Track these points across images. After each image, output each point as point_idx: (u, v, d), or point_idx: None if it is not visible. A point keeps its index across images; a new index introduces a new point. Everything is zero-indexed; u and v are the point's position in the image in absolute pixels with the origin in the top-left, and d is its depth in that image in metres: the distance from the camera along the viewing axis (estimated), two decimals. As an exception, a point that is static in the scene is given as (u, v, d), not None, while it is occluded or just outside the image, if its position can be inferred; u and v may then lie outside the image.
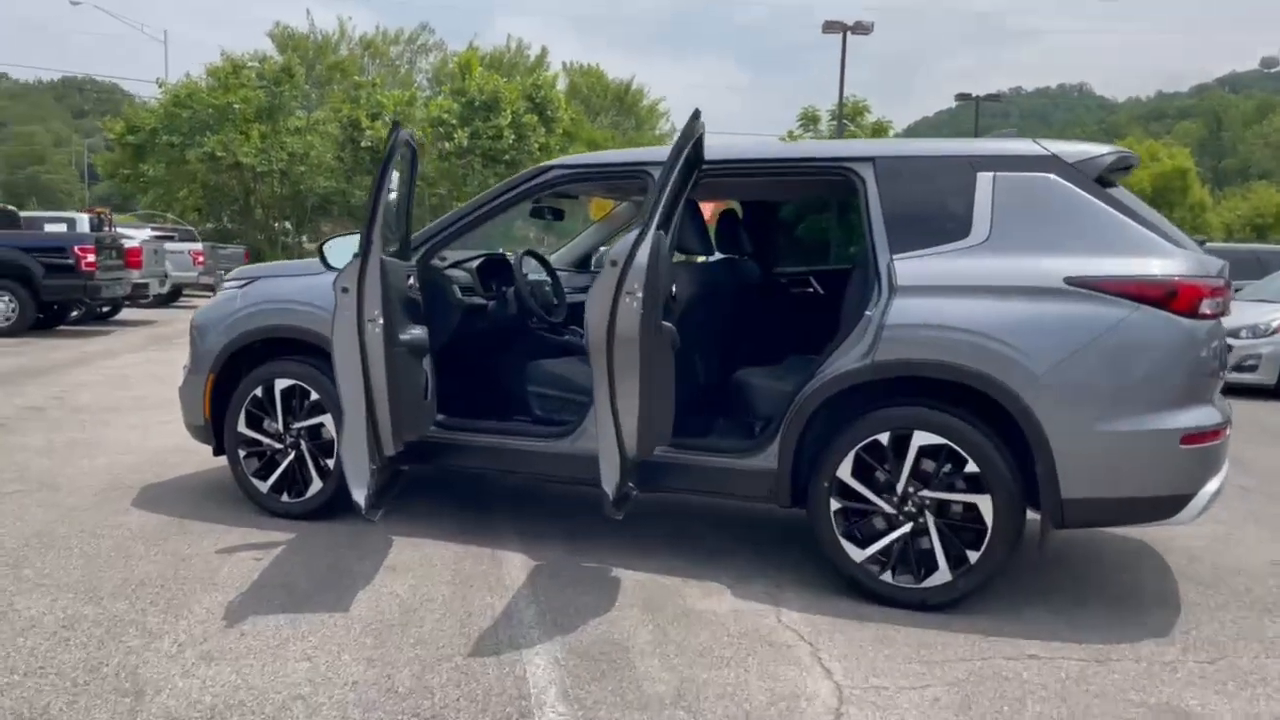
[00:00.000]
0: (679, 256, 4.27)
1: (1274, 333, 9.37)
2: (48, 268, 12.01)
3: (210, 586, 3.39)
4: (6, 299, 11.90)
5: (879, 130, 29.91)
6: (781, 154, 4.12)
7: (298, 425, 4.17)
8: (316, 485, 4.16)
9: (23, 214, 15.51)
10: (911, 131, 74.45)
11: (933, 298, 3.35)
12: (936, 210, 3.46)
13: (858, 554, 3.41)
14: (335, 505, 4.09)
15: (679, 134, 3.34)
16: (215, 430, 4.37)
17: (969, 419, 3.29)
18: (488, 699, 2.63)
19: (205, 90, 28.12)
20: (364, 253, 3.38)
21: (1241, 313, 9.14)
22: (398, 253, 3.85)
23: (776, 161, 4.02)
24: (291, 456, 4.19)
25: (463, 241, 4.32)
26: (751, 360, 4.41)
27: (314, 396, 4.13)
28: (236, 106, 27.37)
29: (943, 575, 3.31)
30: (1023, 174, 3.41)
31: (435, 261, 4.29)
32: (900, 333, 3.35)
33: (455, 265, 4.58)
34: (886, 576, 3.37)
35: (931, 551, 3.33)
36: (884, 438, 3.36)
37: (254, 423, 4.25)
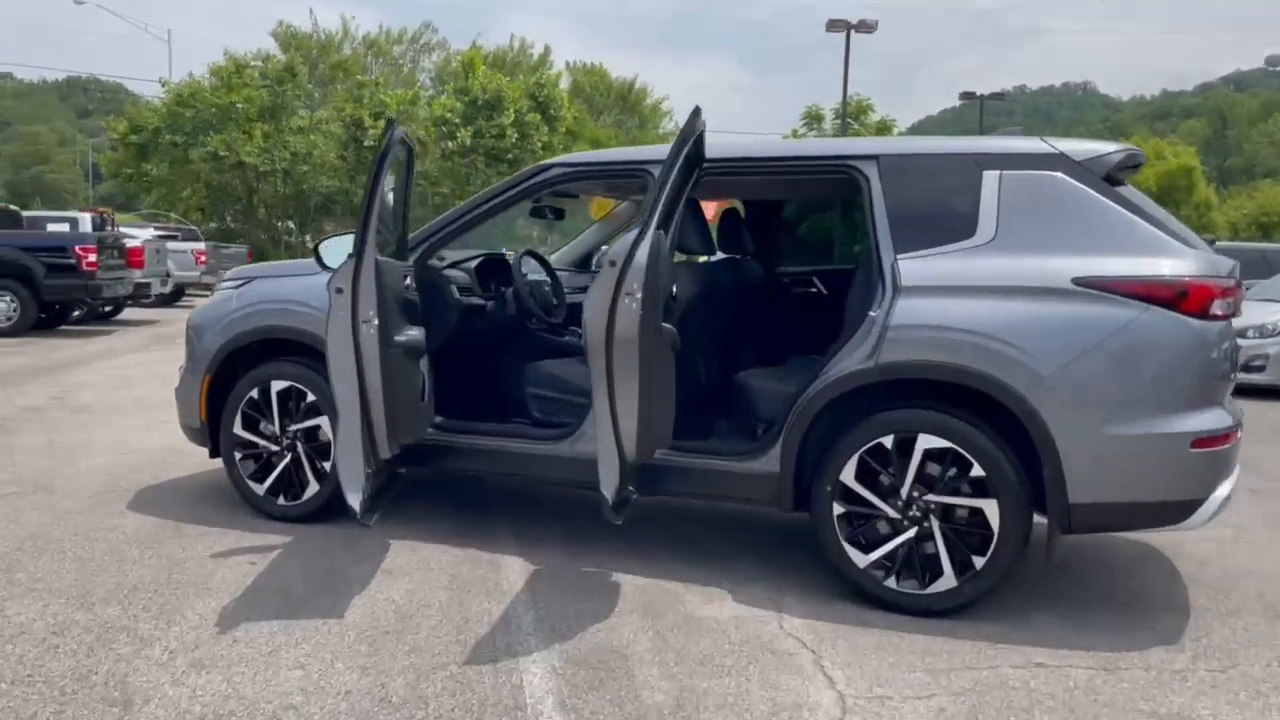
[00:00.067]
0: (680, 256, 4.22)
1: (1281, 333, 9.29)
2: (49, 267, 11.98)
3: (204, 591, 3.34)
4: (8, 299, 11.87)
5: (883, 129, 29.83)
6: (784, 152, 4.05)
7: (294, 427, 4.12)
8: (313, 488, 4.11)
9: (25, 214, 15.50)
10: (915, 130, 74.35)
11: (938, 298, 3.29)
12: (941, 209, 3.40)
13: (861, 559, 3.35)
14: (332, 508, 4.04)
15: (679, 132, 3.28)
16: (211, 432, 4.32)
17: (975, 422, 3.23)
18: (483, 709, 2.57)
19: (208, 90, 28.10)
20: (358, 253, 3.33)
21: (1248, 313, 9.05)
22: (395, 252, 3.80)
23: (779, 160, 3.96)
24: (288, 459, 4.14)
25: (462, 241, 4.27)
26: (753, 361, 4.35)
27: (310, 398, 4.07)
28: (239, 106, 27.33)
29: (948, 581, 3.25)
30: (1029, 172, 3.35)
31: (433, 261, 4.23)
32: (905, 334, 3.29)
33: (453, 265, 4.52)
34: (890, 582, 3.32)
35: (936, 557, 3.27)
36: (888, 441, 3.30)
37: (250, 424, 4.20)
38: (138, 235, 16.39)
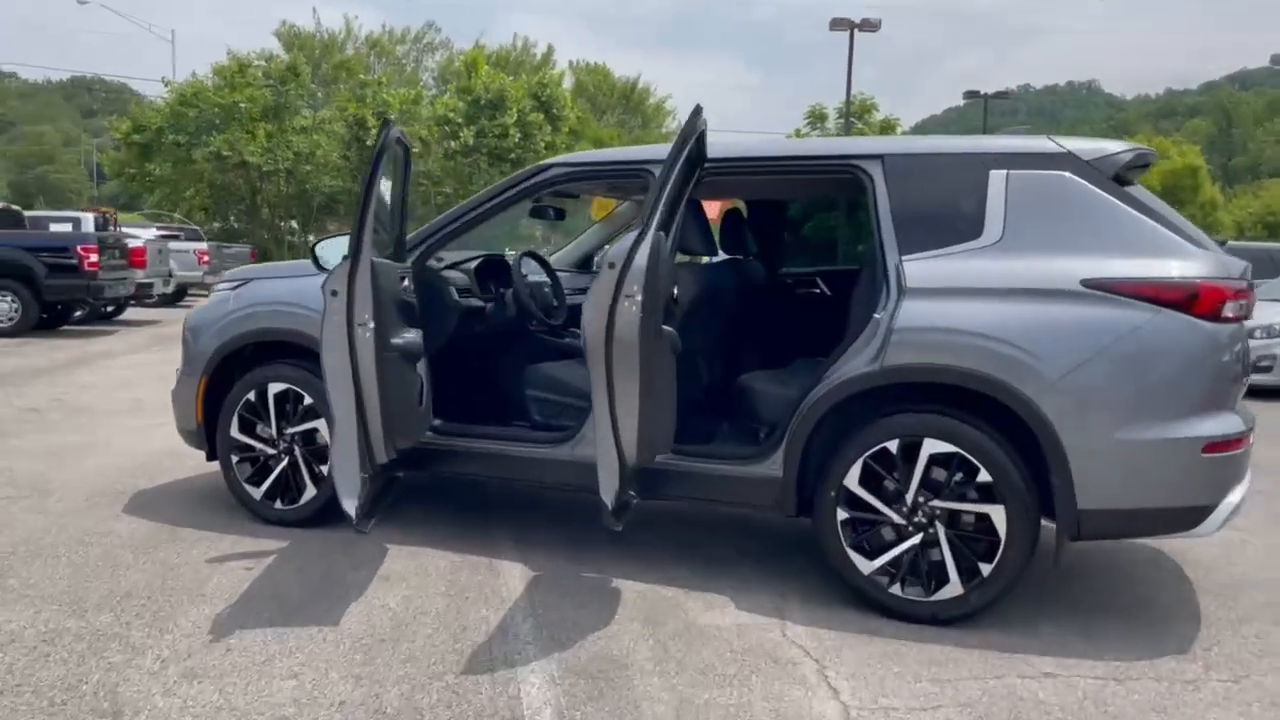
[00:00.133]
0: (682, 257, 4.16)
1: (1289, 333, 9.22)
2: (50, 267, 11.95)
3: (198, 598, 3.29)
4: (9, 299, 11.85)
5: (887, 128, 29.73)
6: (787, 151, 3.99)
7: (291, 430, 4.07)
8: (310, 492, 4.06)
9: (28, 214, 15.48)
10: (919, 129, 74.19)
11: (944, 300, 3.23)
12: (947, 209, 3.34)
13: (866, 566, 3.30)
14: (329, 512, 3.97)
15: (680, 131, 3.23)
16: (208, 435, 4.27)
17: (982, 426, 3.17)
18: (479, 720, 2.52)
19: (211, 89, 28.07)
20: (354, 254, 3.28)
21: (1256, 313, 8.98)
22: (393, 254, 3.75)
23: (782, 159, 3.90)
24: (285, 462, 4.09)
25: (461, 242, 4.21)
26: (756, 364, 4.30)
27: (307, 401, 4.02)
28: (243, 106, 27.29)
29: (954, 588, 3.19)
30: (1037, 172, 3.29)
31: (432, 262, 4.18)
32: (910, 336, 3.23)
33: (452, 266, 4.46)
34: (896, 589, 3.26)
35: (942, 563, 3.21)
36: (893, 445, 3.24)
37: (247, 427, 4.15)
38: (140, 235, 16.36)
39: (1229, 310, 3.10)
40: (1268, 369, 9.11)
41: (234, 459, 4.18)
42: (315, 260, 3.82)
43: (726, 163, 3.75)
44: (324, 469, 3.99)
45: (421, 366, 3.76)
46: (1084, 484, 3.06)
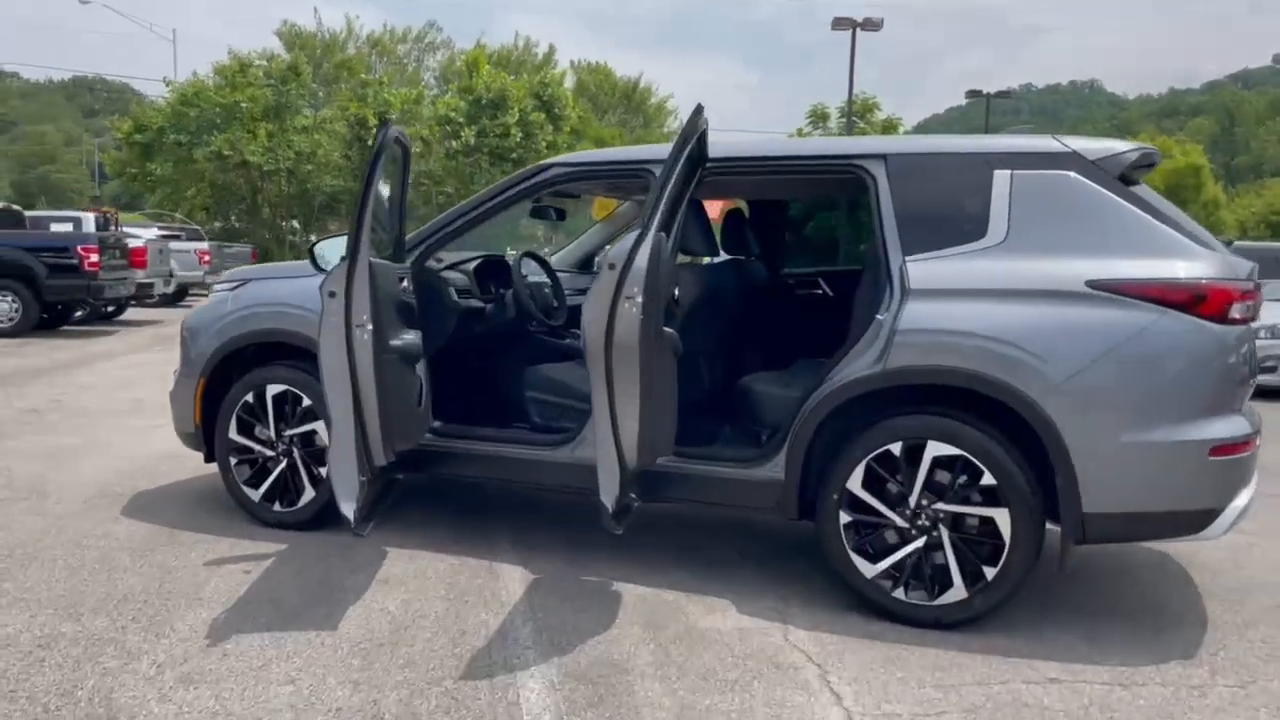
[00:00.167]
0: (682, 258, 4.12)
1: (1294, 333, 9.17)
2: (51, 268, 11.93)
3: (195, 602, 3.27)
4: (9, 299, 11.83)
5: (889, 127, 29.68)
6: (789, 151, 3.96)
7: (290, 432, 4.04)
8: (309, 494, 4.03)
9: (29, 213, 15.46)
10: (922, 129, 74.14)
11: (947, 301, 3.20)
12: (951, 210, 3.31)
13: (869, 569, 3.27)
14: (328, 515, 3.94)
15: (681, 130, 3.20)
16: (206, 437, 4.24)
17: (986, 429, 3.14)
18: (478, 727, 2.49)
19: (212, 89, 28.04)
20: (351, 255, 3.25)
21: (1262, 312, 8.95)
22: (392, 254, 3.73)
23: (784, 159, 3.86)
24: (284, 464, 4.07)
25: (461, 242, 4.18)
26: (758, 365, 4.27)
27: (306, 402, 4.00)
28: (244, 105, 27.25)
29: (958, 592, 3.16)
30: (1042, 172, 3.26)
31: (431, 263, 4.15)
32: (913, 338, 3.20)
33: (452, 267, 4.44)
34: (899, 593, 3.23)
35: (946, 567, 3.18)
36: (896, 448, 3.21)
37: (245, 429, 4.13)
38: (141, 235, 16.35)
39: (1236, 312, 3.06)
40: (1273, 369, 9.06)
41: (232, 461, 4.16)
42: (313, 261, 3.79)
43: (728, 162, 3.72)
44: (323, 471, 3.96)
45: (421, 368, 3.73)
46: (1089, 487, 3.03)
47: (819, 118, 30.20)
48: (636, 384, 3.00)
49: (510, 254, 4.85)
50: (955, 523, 3.19)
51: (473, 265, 4.47)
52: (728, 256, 4.68)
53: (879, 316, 3.26)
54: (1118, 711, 2.66)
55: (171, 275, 16.19)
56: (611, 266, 2.98)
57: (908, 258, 3.27)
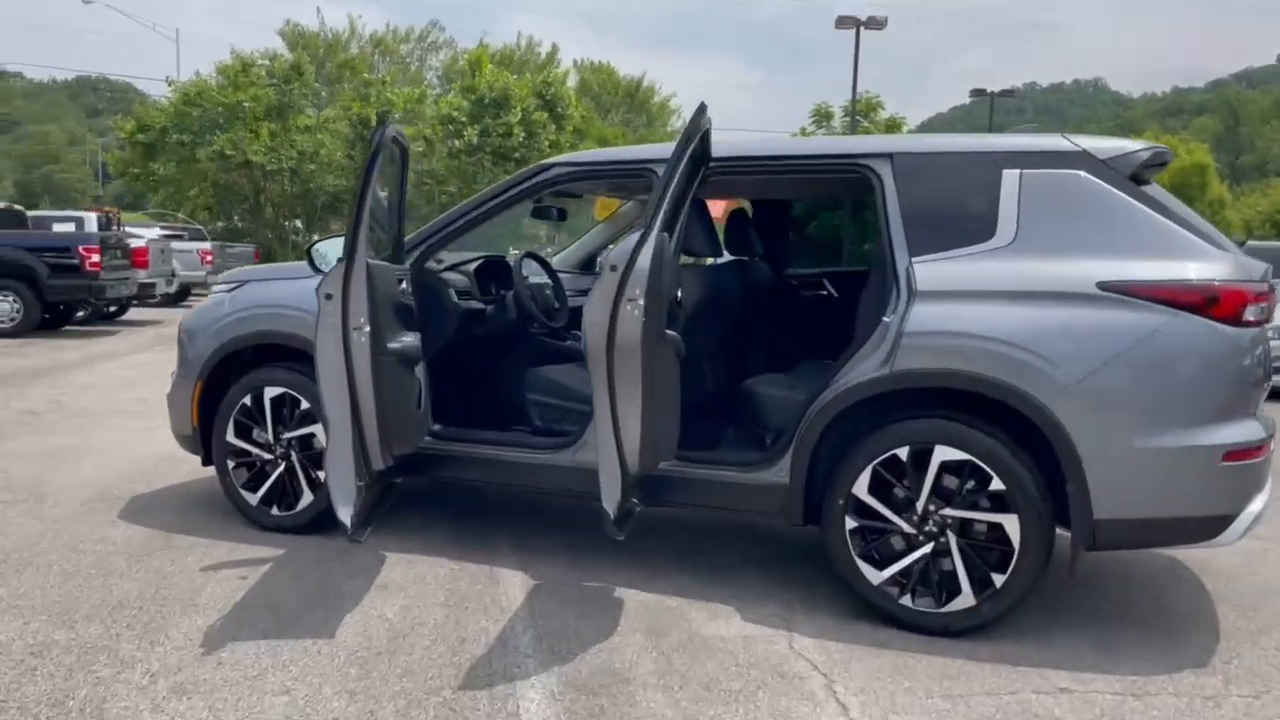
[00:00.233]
0: (685, 258, 4.07)
1: (1302, 334, 9.09)
2: (52, 267, 11.90)
3: (190, 608, 3.22)
4: (11, 299, 11.80)
5: (892, 126, 29.58)
6: (794, 150, 3.90)
7: (288, 435, 3.99)
8: (307, 498, 3.98)
9: (31, 213, 15.44)
10: (925, 128, 73.99)
11: (955, 303, 3.14)
12: (959, 210, 3.25)
13: (875, 575, 3.21)
14: (326, 519, 3.87)
15: (684, 129, 3.14)
16: (204, 439, 4.20)
17: (994, 433, 3.08)
18: (476, 739, 2.44)
19: (215, 89, 28.02)
20: (348, 257, 3.19)
21: (1275, 314, 8.88)
22: (390, 255, 3.68)
23: (788, 158, 3.80)
24: (282, 468, 4.02)
25: (462, 242, 4.13)
26: (762, 368, 4.21)
27: (304, 405, 3.95)
28: (246, 105, 27.22)
29: (966, 599, 3.10)
30: (1051, 171, 3.20)
31: (431, 264, 4.10)
32: (921, 340, 3.14)
33: (452, 268, 4.38)
34: (906, 600, 3.17)
35: (954, 574, 3.12)
36: (903, 452, 3.15)
37: (243, 432, 4.08)
38: (143, 235, 16.32)
39: (1250, 313, 3.00)
40: (1280, 370, 8.99)
41: (230, 464, 4.11)
42: (311, 261, 3.74)
43: (732, 162, 3.66)
44: (321, 475, 3.91)
45: (420, 370, 3.68)
46: (1100, 492, 2.97)
47: (822, 117, 30.09)
48: (639, 386, 2.94)
49: (512, 254, 4.80)
50: (963, 528, 3.13)
51: (473, 266, 4.42)
52: (731, 257, 4.62)
53: (885, 318, 3.20)
54: (1130, 723, 2.61)
55: (174, 275, 16.15)
56: (613, 268, 2.93)
57: (914, 259, 3.22)
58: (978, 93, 31.95)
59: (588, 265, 5.61)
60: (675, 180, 3.03)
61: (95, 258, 11.96)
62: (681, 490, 3.52)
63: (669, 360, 3.08)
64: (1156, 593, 3.68)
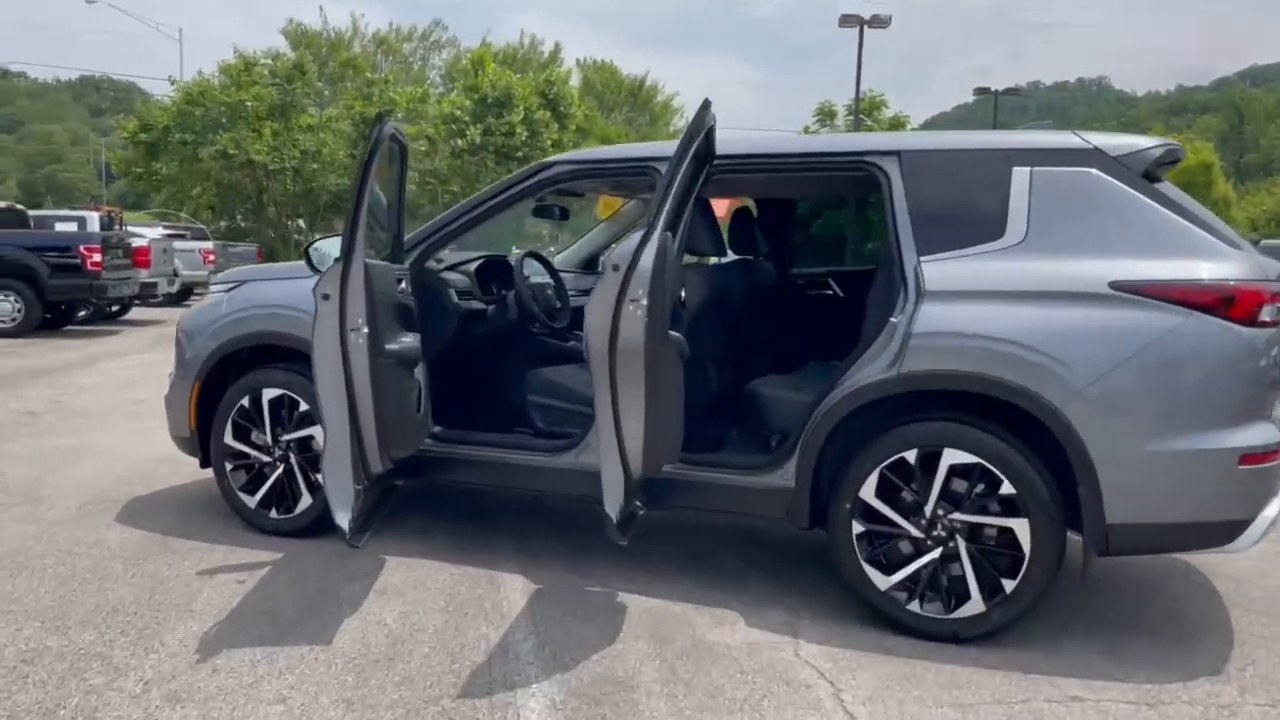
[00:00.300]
0: (689, 258, 4.01)
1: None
2: (53, 267, 11.87)
3: (186, 614, 3.16)
4: (12, 299, 11.76)
5: (896, 125, 29.47)
6: (799, 148, 3.84)
7: (287, 437, 3.94)
8: (306, 501, 3.93)
9: (33, 213, 15.41)
10: (929, 126, 73.78)
11: (965, 303, 3.08)
12: (968, 208, 3.19)
13: (882, 581, 3.15)
14: (325, 522, 3.81)
15: (687, 127, 3.08)
16: (201, 441, 4.15)
17: (1005, 436, 3.02)
18: (475, 750, 2.39)
19: (218, 88, 28.01)
20: (346, 256, 3.14)
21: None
22: (390, 254, 3.62)
23: (794, 156, 3.74)
24: (280, 470, 3.97)
25: (463, 241, 4.08)
26: (767, 369, 4.15)
27: (303, 407, 3.89)
28: (249, 104, 27.21)
29: (976, 605, 3.04)
30: (1063, 169, 3.13)
31: (431, 263, 4.05)
32: (929, 341, 3.08)
33: (452, 267, 4.33)
34: (914, 606, 3.11)
35: (963, 579, 3.06)
36: (911, 455, 3.09)
37: (241, 434, 4.03)
38: (145, 234, 16.29)
39: (1266, 314, 2.94)
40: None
41: (228, 466, 4.06)
42: (309, 261, 3.68)
43: (736, 160, 3.60)
44: (320, 477, 3.86)
45: (420, 372, 3.63)
46: (1113, 497, 2.91)
47: (826, 115, 30.01)
48: (641, 388, 2.89)
49: (514, 254, 4.74)
50: (973, 533, 3.07)
51: (474, 266, 4.36)
52: (735, 256, 4.56)
53: (893, 319, 3.14)
54: (1145, 733, 2.55)
55: (176, 275, 16.12)
56: (616, 267, 2.87)
57: (922, 258, 3.16)
58: (981, 91, 31.87)
59: (590, 265, 5.55)
60: (679, 178, 2.97)
61: (97, 257, 11.93)
62: (685, 493, 3.46)
63: (672, 361, 3.03)
64: (1168, 598, 3.61)
